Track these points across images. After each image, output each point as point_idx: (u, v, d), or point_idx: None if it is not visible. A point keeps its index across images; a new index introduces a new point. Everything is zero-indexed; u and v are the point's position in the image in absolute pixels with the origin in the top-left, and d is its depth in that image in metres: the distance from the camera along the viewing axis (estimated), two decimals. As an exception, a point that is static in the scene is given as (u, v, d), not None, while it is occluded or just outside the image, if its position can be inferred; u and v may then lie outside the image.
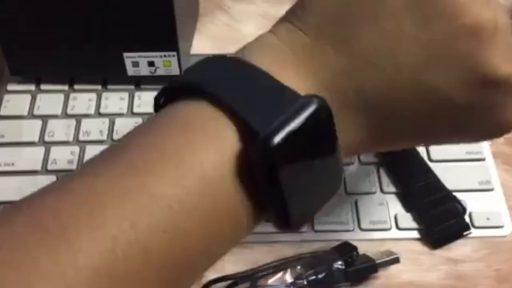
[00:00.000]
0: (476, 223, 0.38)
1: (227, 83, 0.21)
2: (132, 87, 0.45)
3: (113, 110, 0.44)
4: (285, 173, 0.20)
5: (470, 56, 0.21)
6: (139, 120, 0.43)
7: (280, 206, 0.20)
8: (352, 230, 0.38)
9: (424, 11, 0.21)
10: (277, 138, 0.19)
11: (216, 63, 0.23)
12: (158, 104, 0.24)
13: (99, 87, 0.45)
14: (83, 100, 0.45)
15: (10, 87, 0.45)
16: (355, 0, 0.22)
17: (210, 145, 0.20)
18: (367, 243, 0.37)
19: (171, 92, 0.23)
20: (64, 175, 0.21)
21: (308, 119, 0.20)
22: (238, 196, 0.20)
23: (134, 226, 0.18)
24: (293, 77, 0.21)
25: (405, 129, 0.23)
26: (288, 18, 0.24)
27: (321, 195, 0.22)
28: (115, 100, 0.45)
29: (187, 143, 0.20)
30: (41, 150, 0.42)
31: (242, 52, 0.23)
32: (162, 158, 0.20)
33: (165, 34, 0.42)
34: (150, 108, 0.44)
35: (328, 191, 0.23)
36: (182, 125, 0.21)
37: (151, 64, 0.43)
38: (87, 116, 0.44)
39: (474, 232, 0.37)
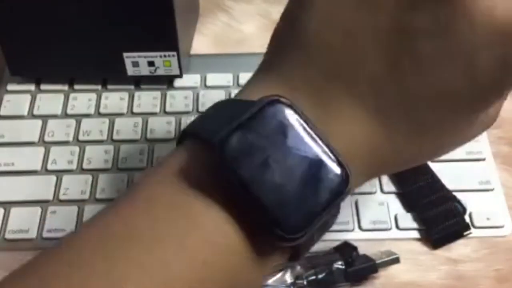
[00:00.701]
0: (476, 223, 0.38)
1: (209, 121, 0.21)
2: (132, 87, 0.45)
3: (113, 110, 0.44)
4: (250, 171, 0.19)
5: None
6: (139, 120, 0.43)
7: (261, 209, 0.19)
8: (352, 230, 0.38)
9: None
10: (230, 139, 0.19)
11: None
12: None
13: (99, 87, 0.45)
14: (83, 100, 0.45)
15: (10, 87, 0.45)
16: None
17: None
18: (367, 243, 0.37)
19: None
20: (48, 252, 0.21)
21: (259, 114, 0.19)
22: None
23: None
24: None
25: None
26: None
27: (303, 191, 0.20)
28: (115, 100, 0.45)
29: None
30: (41, 150, 0.42)
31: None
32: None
33: (165, 34, 0.42)
34: (150, 108, 0.44)
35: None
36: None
37: (151, 64, 0.43)
38: (87, 116, 0.44)
39: (474, 232, 0.37)
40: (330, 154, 0.19)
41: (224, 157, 0.19)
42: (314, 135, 0.19)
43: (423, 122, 0.21)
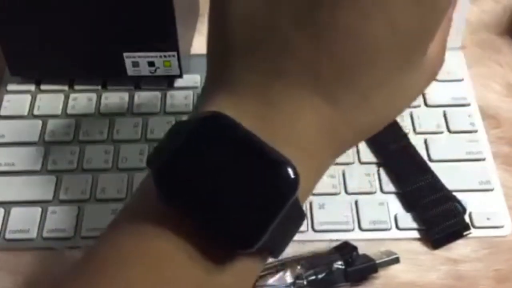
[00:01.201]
0: (476, 223, 0.38)
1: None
2: (132, 87, 0.45)
3: (113, 110, 0.44)
4: (188, 193, 0.19)
5: None
6: (139, 120, 0.43)
7: (208, 224, 0.19)
8: (352, 230, 0.38)
9: None
10: (165, 167, 0.19)
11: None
12: None
13: (99, 87, 0.45)
14: (83, 100, 0.45)
15: (10, 87, 0.45)
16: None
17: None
18: (367, 243, 0.37)
19: None
20: None
21: (192, 135, 0.20)
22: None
23: None
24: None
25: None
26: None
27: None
28: (115, 100, 0.45)
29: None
30: (41, 150, 0.42)
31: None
32: None
33: (165, 34, 0.42)
34: (150, 108, 0.44)
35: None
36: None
37: (151, 64, 0.43)
38: (87, 116, 0.44)
39: (474, 232, 0.37)
40: (273, 157, 0.19)
41: (161, 185, 0.19)
42: (253, 143, 0.19)
43: (365, 86, 0.21)
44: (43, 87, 0.45)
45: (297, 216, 0.21)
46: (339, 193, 0.39)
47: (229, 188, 0.19)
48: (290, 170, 0.19)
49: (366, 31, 0.19)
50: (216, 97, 0.21)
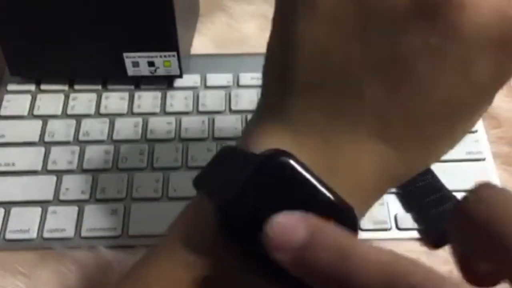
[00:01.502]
0: (476, 223, 0.38)
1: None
2: (132, 87, 0.45)
3: (113, 110, 0.44)
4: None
5: None
6: (139, 120, 0.43)
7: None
8: (352, 230, 0.38)
9: None
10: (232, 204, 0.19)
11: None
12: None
13: (99, 87, 0.45)
14: (83, 100, 0.45)
15: (10, 87, 0.45)
16: None
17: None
18: (367, 243, 0.37)
19: None
20: None
21: (260, 171, 0.19)
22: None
23: None
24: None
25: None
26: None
27: None
28: (115, 100, 0.45)
29: None
30: (41, 150, 0.42)
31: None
32: None
33: (165, 34, 0.42)
34: (150, 108, 0.44)
35: None
36: None
37: (151, 64, 0.43)
38: (87, 116, 0.44)
39: (474, 232, 0.37)
40: (338, 203, 0.20)
41: (226, 224, 0.19)
42: (316, 183, 0.20)
43: (428, 135, 0.21)
44: (43, 87, 0.45)
45: None
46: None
47: None
48: (353, 216, 0.20)
49: (445, 85, 0.20)
50: (277, 131, 0.21)
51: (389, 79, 0.20)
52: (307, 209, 0.18)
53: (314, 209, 0.18)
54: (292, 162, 0.19)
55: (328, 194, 0.19)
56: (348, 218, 0.19)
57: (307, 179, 0.19)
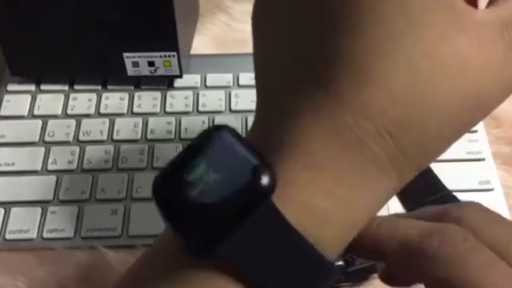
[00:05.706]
0: (476, 223, 0.38)
1: None
2: (132, 87, 0.45)
3: (113, 110, 0.44)
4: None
5: None
6: (139, 120, 0.43)
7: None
8: (352, 230, 0.38)
9: None
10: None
11: None
12: None
13: (99, 87, 0.45)
14: (83, 100, 0.45)
15: (10, 87, 0.45)
16: None
17: None
18: (367, 243, 0.37)
19: None
20: None
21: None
22: None
23: None
24: None
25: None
26: None
27: None
28: (115, 100, 0.45)
29: None
30: (41, 150, 0.42)
31: None
32: None
33: (165, 34, 0.42)
34: (150, 108, 0.44)
35: None
36: None
37: (151, 64, 0.43)
38: (87, 116, 0.44)
39: (474, 232, 0.37)
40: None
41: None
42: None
43: (434, 147, 0.22)
44: (43, 87, 0.45)
45: None
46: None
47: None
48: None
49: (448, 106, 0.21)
50: (288, 165, 0.20)
51: (400, 116, 0.20)
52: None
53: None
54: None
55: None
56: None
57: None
